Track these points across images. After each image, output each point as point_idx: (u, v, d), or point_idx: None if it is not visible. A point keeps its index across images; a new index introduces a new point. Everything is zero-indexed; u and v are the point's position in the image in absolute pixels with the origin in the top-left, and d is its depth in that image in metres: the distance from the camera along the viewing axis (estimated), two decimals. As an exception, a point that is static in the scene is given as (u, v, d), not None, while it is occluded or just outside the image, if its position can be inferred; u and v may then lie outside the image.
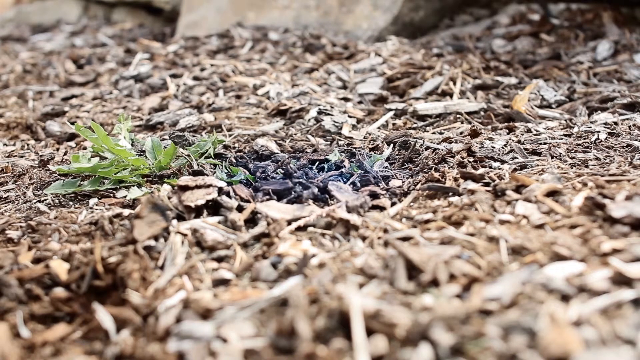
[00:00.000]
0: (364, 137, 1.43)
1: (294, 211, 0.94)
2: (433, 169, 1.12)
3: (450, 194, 0.96)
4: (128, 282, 0.78)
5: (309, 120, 1.58)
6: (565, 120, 1.48)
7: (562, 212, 0.82)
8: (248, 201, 0.99)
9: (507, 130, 1.42)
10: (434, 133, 1.46)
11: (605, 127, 1.34)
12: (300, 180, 1.07)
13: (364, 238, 0.83)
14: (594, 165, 1.08)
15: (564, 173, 1.01)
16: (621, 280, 0.63)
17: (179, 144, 1.32)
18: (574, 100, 1.64)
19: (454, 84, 1.78)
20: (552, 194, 0.88)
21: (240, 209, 0.96)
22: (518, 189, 0.92)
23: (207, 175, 1.12)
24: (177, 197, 0.96)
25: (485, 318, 0.59)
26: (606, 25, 2.30)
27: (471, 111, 1.59)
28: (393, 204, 0.97)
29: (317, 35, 2.59)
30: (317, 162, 1.24)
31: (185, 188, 0.98)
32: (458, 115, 1.57)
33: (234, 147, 1.38)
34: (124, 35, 3.37)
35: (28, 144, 1.64)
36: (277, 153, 1.32)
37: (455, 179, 1.01)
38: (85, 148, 1.52)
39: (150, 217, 0.88)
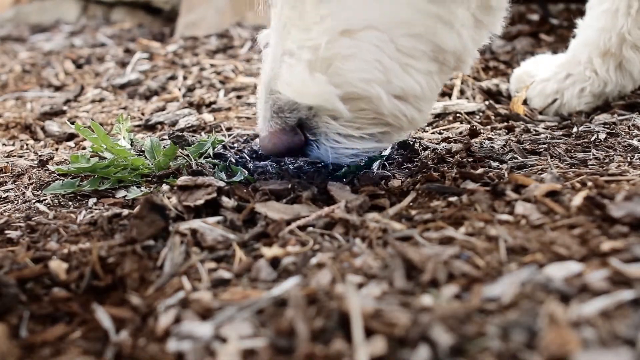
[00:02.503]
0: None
1: (293, 211, 0.94)
2: (432, 169, 1.12)
3: (450, 194, 0.96)
4: (127, 282, 0.78)
5: (309, 120, 1.57)
6: (565, 120, 1.49)
7: (562, 212, 0.82)
8: (247, 201, 0.99)
9: (507, 130, 1.42)
10: (433, 133, 1.46)
11: (604, 127, 1.34)
12: (300, 180, 1.07)
13: (363, 238, 0.83)
14: (594, 165, 1.09)
15: (563, 173, 1.01)
16: (621, 280, 0.63)
17: (178, 144, 1.32)
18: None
19: (454, 84, 1.78)
20: (552, 194, 0.88)
21: (239, 209, 0.96)
22: (517, 189, 0.92)
23: (207, 176, 1.12)
24: (177, 197, 0.96)
25: (485, 318, 0.59)
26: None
27: (470, 111, 1.59)
28: (392, 204, 0.97)
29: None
30: (316, 162, 1.24)
31: (184, 188, 0.98)
32: (457, 115, 1.57)
33: (234, 147, 1.38)
34: (123, 35, 3.37)
35: (27, 144, 1.64)
36: (276, 153, 1.32)
37: (455, 179, 1.01)
38: (84, 148, 1.52)
39: (149, 217, 0.88)
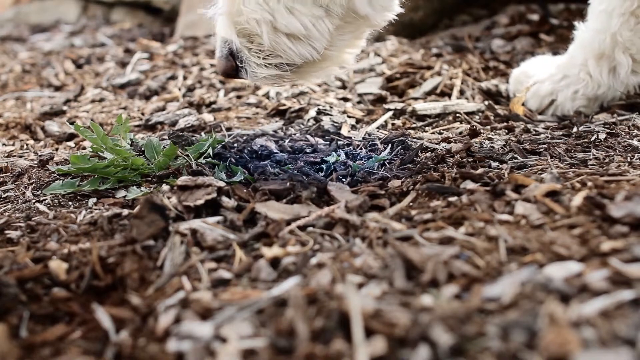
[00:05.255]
0: (363, 137, 1.43)
1: (293, 211, 0.94)
2: (432, 169, 1.12)
3: (450, 194, 0.96)
4: (127, 282, 0.78)
5: (308, 120, 1.58)
6: (564, 121, 1.49)
7: (562, 212, 0.82)
8: (247, 201, 0.99)
9: (507, 130, 1.42)
10: (433, 133, 1.46)
11: (604, 127, 1.34)
12: (300, 180, 1.07)
13: (363, 238, 0.83)
14: (594, 165, 1.09)
15: (563, 173, 1.01)
16: (621, 280, 0.63)
17: (178, 144, 1.32)
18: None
19: (453, 84, 1.78)
20: (551, 194, 0.88)
21: (239, 209, 0.96)
22: (517, 189, 0.92)
23: (207, 176, 1.12)
24: (177, 197, 0.96)
25: (485, 318, 0.59)
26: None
27: (470, 111, 1.59)
28: (392, 204, 0.97)
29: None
30: (316, 162, 1.24)
31: (184, 188, 0.98)
32: (457, 115, 1.57)
33: (233, 147, 1.38)
34: (123, 35, 3.37)
35: (27, 144, 1.64)
36: (276, 153, 1.32)
37: (455, 179, 1.01)
38: (84, 148, 1.52)
39: (149, 217, 0.88)
